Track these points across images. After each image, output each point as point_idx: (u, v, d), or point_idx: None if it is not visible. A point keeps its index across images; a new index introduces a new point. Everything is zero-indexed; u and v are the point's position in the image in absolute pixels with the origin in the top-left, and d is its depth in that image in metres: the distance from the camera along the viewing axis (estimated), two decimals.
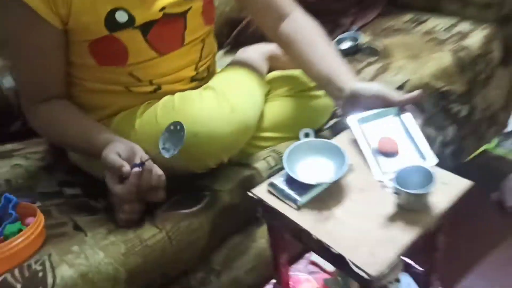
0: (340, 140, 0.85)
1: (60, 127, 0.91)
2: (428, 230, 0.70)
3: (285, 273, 0.90)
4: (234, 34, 1.38)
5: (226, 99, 0.87)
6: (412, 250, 0.69)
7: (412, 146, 0.79)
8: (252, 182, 0.91)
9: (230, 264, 0.94)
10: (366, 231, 0.70)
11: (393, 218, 0.71)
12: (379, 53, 1.25)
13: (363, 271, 0.65)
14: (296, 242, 0.90)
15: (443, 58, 1.21)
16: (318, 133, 1.01)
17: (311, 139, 0.79)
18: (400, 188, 0.70)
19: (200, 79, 0.99)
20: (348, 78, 0.89)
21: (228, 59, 1.15)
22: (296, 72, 1.05)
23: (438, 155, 0.76)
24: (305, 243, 0.73)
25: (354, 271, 0.66)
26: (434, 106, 1.20)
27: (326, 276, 0.95)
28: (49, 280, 0.75)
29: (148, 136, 0.87)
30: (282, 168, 0.77)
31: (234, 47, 1.35)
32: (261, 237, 0.97)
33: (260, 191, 0.78)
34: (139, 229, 0.84)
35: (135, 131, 0.90)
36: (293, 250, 0.98)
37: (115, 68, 0.90)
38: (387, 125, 0.82)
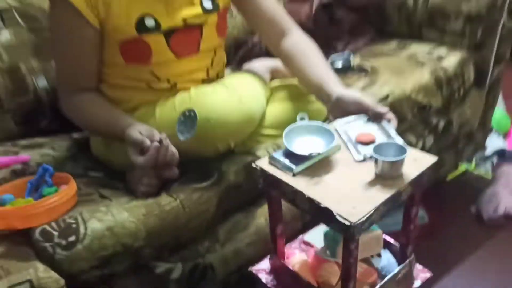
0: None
1: (90, 113, 1.06)
2: (399, 193, 0.85)
3: (281, 244, 1.04)
4: (241, 53, 1.56)
5: (235, 92, 1.03)
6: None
7: (387, 138, 0.95)
8: (254, 167, 1.06)
9: (233, 237, 1.07)
10: (349, 192, 0.84)
11: (371, 183, 0.86)
12: (367, 71, 1.42)
13: (346, 219, 0.79)
14: (291, 224, 1.04)
15: (423, 76, 1.39)
16: None
17: (306, 121, 0.95)
18: (377, 156, 0.85)
19: (210, 81, 1.15)
20: (335, 85, 1.06)
21: None
22: (294, 81, 1.23)
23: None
24: (298, 204, 0.87)
25: (339, 221, 0.80)
26: (415, 116, 1.37)
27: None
28: (81, 230, 0.88)
29: (167, 123, 1.02)
30: None
31: (239, 64, 1.53)
32: (261, 216, 1.10)
33: (263, 163, 0.93)
34: (157, 197, 0.98)
35: (155, 119, 1.05)
36: (289, 231, 1.11)
37: (139, 66, 1.05)
38: (367, 126, 1.00)
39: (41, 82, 1.28)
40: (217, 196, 1.02)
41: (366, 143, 0.95)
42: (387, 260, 1.04)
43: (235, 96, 1.02)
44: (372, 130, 0.99)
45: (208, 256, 1.05)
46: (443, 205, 1.64)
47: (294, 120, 0.96)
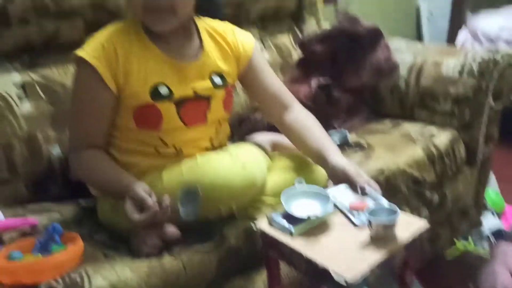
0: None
1: (95, 168, 1.11)
2: (392, 254, 0.89)
3: None
4: (244, 128, 1.65)
5: (239, 159, 1.10)
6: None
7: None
8: (254, 231, 1.10)
9: None
10: (345, 253, 0.88)
11: (366, 245, 0.90)
12: (363, 147, 1.50)
13: (343, 278, 0.82)
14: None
15: (416, 152, 1.47)
16: None
17: (304, 185, 1.01)
18: (371, 219, 0.90)
19: (213, 150, 1.21)
20: (333, 155, 1.15)
21: None
22: (294, 152, 1.30)
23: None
24: (296, 265, 0.91)
25: (335, 281, 0.83)
26: (409, 189, 1.43)
27: None
28: (86, 286, 0.91)
29: (174, 189, 1.08)
30: None
31: (242, 138, 1.61)
32: (260, 281, 1.13)
33: (262, 224, 0.97)
34: (160, 257, 1.01)
35: (162, 185, 1.11)
36: None
37: (149, 131, 1.12)
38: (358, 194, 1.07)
39: (55, 151, 1.35)
40: (218, 259, 1.05)
41: (359, 210, 1.00)
42: None
43: (238, 162, 1.08)
44: (364, 198, 1.04)
45: None
46: (441, 282, 1.64)
47: None
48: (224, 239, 1.08)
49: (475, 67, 1.54)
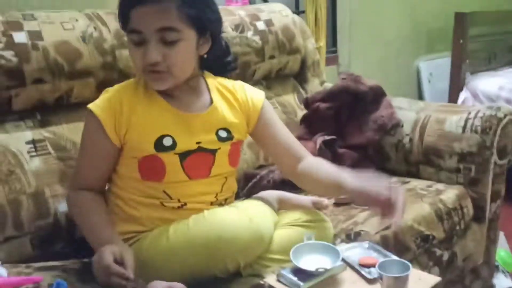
0: None
1: (83, 213, 1.14)
2: None
3: None
4: (250, 185, 1.66)
5: (246, 213, 1.10)
6: None
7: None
8: None
9: None
10: None
11: None
12: None
13: None
14: None
15: (423, 208, 1.46)
16: None
17: (313, 241, 1.00)
18: (382, 273, 0.88)
19: (219, 204, 1.21)
20: (349, 179, 1.13)
21: None
22: (301, 209, 1.30)
23: None
24: None
25: None
26: (418, 246, 1.40)
27: None
28: None
29: (180, 241, 1.07)
30: None
31: (248, 195, 1.61)
32: None
33: (271, 280, 0.96)
34: None
35: (168, 238, 1.10)
36: None
37: (153, 183, 1.13)
38: (368, 251, 1.09)
39: (62, 207, 1.35)
40: None
41: (368, 266, 0.99)
42: None
43: (246, 216, 1.08)
44: (373, 255, 1.04)
45: None
46: None
47: None
48: None
49: (478, 123, 1.57)
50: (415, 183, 1.64)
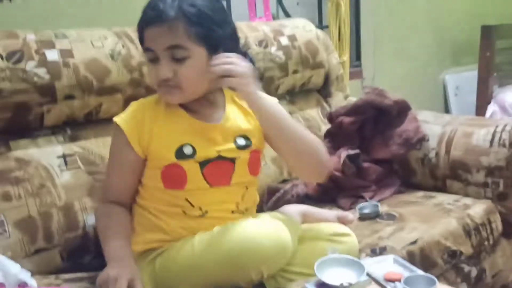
0: None
1: (103, 224, 1.19)
2: None
3: None
4: (273, 199, 1.66)
5: (270, 223, 1.10)
6: None
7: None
8: None
9: None
10: None
11: None
12: (395, 218, 1.49)
13: None
14: None
15: (450, 223, 1.44)
16: None
17: (337, 254, 1.00)
18: (407, 286, 0.87)
19: (240, 213, 1.22)
20: None
21: None
22: (325, 223, 1.30)
23: None
24: None
25: None
26: (446, 262, 1.38)
27: None
28: None
29: (205, 253, 1.07)
30: None
31: (272, 210, 1.62)
32: None
33: None
34: None
35: (193, 249, 1.09)
36: None
37: (175, 192, 1.16)
38: (393, 266, 1.07)
39: (90, 220, 1.38)
40: None
41: (394, 281, 0.98)
42: None
43: (269, 226, 1.08)
44: (398, 270, 1.03)
45: None
46: None
47: None
48: None
49: (505, 137, 1.54)
50: (441, 197, 1.61)
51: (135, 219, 1.22)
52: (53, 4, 1.68)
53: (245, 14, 2.24)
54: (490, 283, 1.54)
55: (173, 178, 1.16)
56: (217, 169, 1.18)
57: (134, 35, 1.50)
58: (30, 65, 1.30)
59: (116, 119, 1.19)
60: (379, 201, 1.63)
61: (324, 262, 0.98)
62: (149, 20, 1.13)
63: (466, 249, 1.44)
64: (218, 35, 1.15)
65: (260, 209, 1.56)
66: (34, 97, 1.31)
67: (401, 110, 1.76)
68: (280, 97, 1.84)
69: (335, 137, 1.80)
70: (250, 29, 1.79)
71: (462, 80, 3.22)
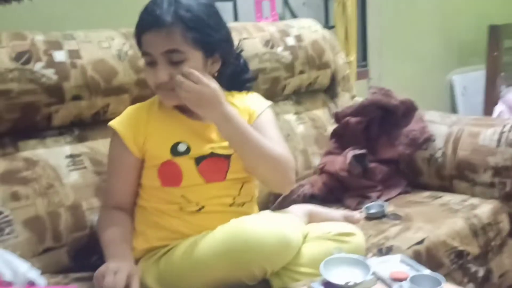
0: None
1: (104, 228, 1.20)
2: None
3: None
4: (279, 199, 1.67)
5: (274, 220, 1.11)
6: None
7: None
8: None
9: None
10: None
11: None
12: (401, 218, 1.48)
13: None
14: None
15: (456, 223, 1.43)
16: None
17: (342, 254, 1.00)
18: (414, 287, 0.87)
19: (237, 206, 1.23)
20: None
21: None
22: (330, 223, 1.30)
23: None
24: None
25: None
26: (452, 262, 1.38)
27: None
28: None
29: (208, 250, 1.08)
30: None
31: (278, 210, 1.62)
32: None
33: None
34: None
35: (197, 247, 1.10)
36: None
37: (172, 189, 1.18)
38: (400, 265, 1.06)
39: (97, 219, 1.40)
40: None
41: (400, 280, 0.98)
42: None
43: (272, 223, 1.09)
44: (404, 269, 1.02)
45: None
46: None
47: None
48: None
49: None
50: (448, 197, 1.61)
51: (136, 220, 1.24)
52: (61, 6, 1.70)
53: (252, 14, 2.24)
54: (497, 283, 1.53)
55: (169, 175, 1.19)
56: (212, 165, 1.20)
57: None
58: (38, 66, 1.31)
59: (111, 123, 1.22)
60: (386, 201, 1.63)
61: (330, 262, 0.98)
62: (146, 25, 1.15)
63: (473, 249, 1.43)
64: (214, 39, 1.18)
65: (266, 209, 1.56)
66: (42, 97, 1.33)
67: (408, 110, 1.76)
68: (287, 98, 1.85)
69: (341, 137, 1.80)
70: (256, 29, 1.79)
71: (469, 80, 3.21)
